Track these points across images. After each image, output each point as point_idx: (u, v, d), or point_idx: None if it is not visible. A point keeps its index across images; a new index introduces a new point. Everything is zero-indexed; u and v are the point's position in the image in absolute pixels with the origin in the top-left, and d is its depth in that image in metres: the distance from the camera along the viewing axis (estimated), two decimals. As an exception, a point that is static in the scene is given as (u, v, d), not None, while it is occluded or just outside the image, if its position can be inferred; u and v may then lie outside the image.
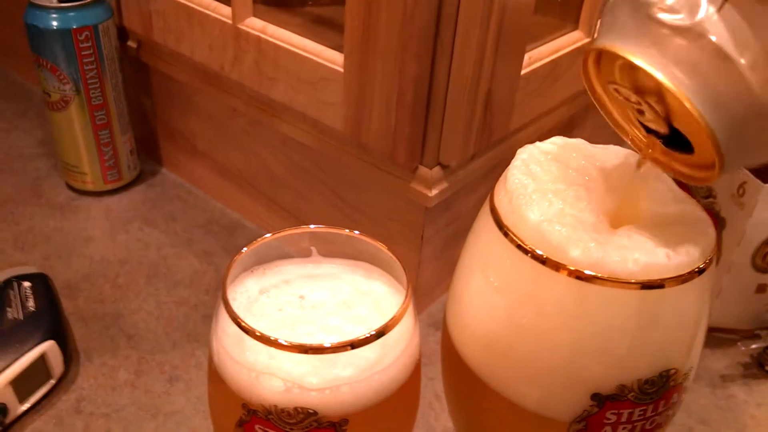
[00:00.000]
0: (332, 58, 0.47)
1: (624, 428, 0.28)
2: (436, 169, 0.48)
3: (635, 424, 0.28)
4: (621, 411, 0.28)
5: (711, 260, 0.27)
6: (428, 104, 0.46)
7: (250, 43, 0.51)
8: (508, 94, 0.48)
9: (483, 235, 0.30)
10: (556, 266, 0.26)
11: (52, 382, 0.47)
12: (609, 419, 0.28)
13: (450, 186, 0.49)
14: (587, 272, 0.26)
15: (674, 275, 0.26)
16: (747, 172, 0.50)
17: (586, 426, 0.28)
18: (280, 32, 0.49)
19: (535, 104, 0.53)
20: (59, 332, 0.48)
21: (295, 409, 0.27)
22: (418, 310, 0.57)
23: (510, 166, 0.31)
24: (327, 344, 0.26)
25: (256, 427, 0.28)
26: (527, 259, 0.27)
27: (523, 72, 0.48)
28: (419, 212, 0.50)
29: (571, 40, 0.54)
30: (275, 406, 0.27)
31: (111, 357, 0.50)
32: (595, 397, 0.27)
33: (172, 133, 0.66)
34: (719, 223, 0.54)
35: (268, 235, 0.31)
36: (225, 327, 0.28)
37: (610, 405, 0.28)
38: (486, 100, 0.46)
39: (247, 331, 0.26)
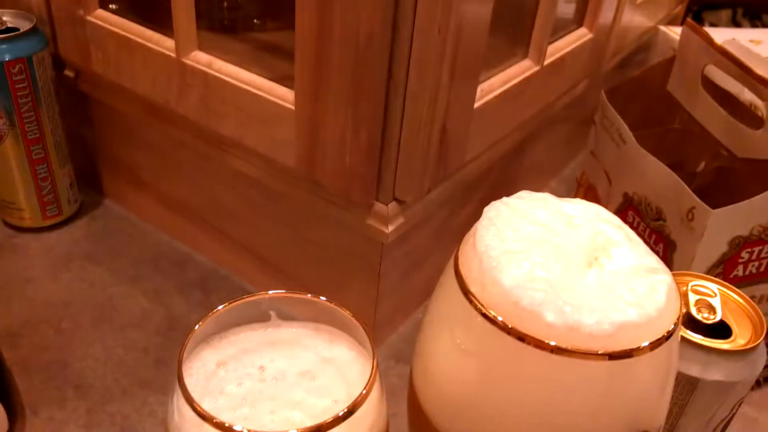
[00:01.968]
0: (283, 95, 0.46)
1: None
2: (392, 205, 0.47)
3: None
4: (591, 476, 0.28)
5: (677, 322, 0.27)
6: (383, 142, 0.45)
7: (196, 78, 0.49)
8: (462, 128, 0.48)
9: (449, 297, 0.29)
10: (520, 336, 0.26)
11: (-4, 442, 0.45)
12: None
13: (406, 221, 0.48)
14: (552, 343, 0.26)
15: (642, 345, 0.26)
16: (695, 197, 0.51)
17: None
18: (227, 67, 0.48)
19: (488, 134, 0.53)
20: (2, 390, 0.45)
21: (261, 495, 0.25)
22: (377, 342, 0.56)
23: (478, 225, 0.30)
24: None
25: None
26: (493, 326, 0.27)
27: (476, 105, 0.48)
28: (376, 247, 0.49)
29: (521, 69, 0.54)
30: (239, 492, 0.26)
31: (59, 410, 0.48)
32: (566, 463, 0.27)
33: (115, 163, 0.64)
34: (669, 245, 0.55)
35: (221, 306, 0.29)
36: (182, 409, 0.27)
37: (581, 471, 0.27)
38: (441, 136, 0.46)
39: (205, 417, 0.25)
